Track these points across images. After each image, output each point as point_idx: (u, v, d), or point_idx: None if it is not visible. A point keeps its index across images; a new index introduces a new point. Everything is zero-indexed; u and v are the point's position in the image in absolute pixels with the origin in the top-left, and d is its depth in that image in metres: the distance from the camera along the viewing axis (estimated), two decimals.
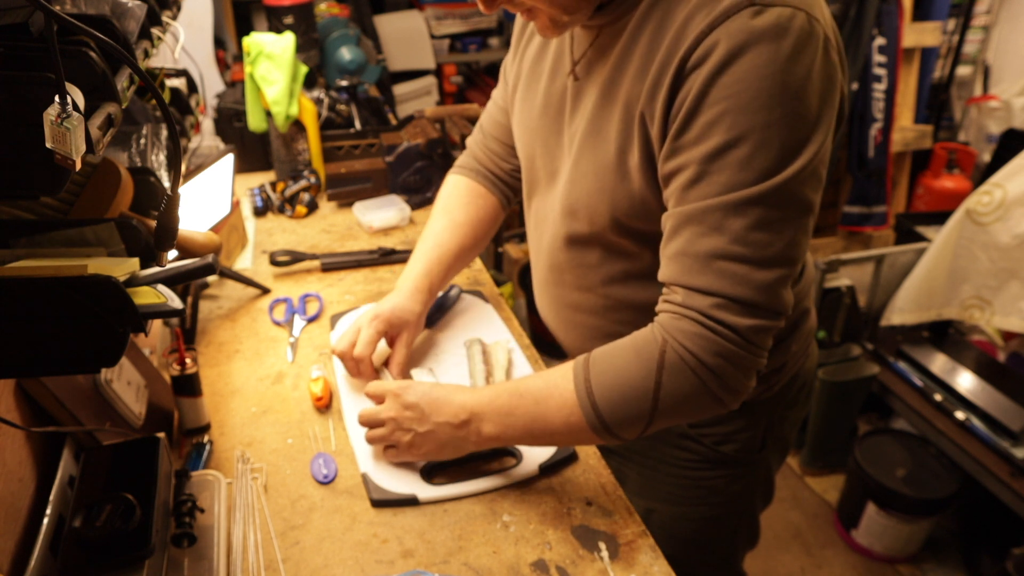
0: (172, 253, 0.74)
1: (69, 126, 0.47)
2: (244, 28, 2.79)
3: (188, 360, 1.05)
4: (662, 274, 0.80)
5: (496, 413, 0.89)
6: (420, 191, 1.79)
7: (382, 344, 1.13)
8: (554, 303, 1.06)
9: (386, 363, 1.15)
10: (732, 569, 1.27)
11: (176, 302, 0.68)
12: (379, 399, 0.98)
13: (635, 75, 0.79)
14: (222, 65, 2.56)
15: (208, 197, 1.37)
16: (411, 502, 0.95)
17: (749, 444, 1.05)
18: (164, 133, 1.13)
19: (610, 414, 0.80)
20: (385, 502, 0.95)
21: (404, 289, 1.15)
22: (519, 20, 1.04)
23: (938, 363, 2.19)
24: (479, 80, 3.68)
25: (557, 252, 0.99)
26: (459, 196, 1.22)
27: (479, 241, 1.22)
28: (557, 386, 0.84)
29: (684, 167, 0.75)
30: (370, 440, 0.98)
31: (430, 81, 3.16)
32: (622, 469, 1.13)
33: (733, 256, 0.73)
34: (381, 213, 1.67)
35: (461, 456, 0.96)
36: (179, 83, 1.38)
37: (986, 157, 2.96)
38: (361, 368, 1.10)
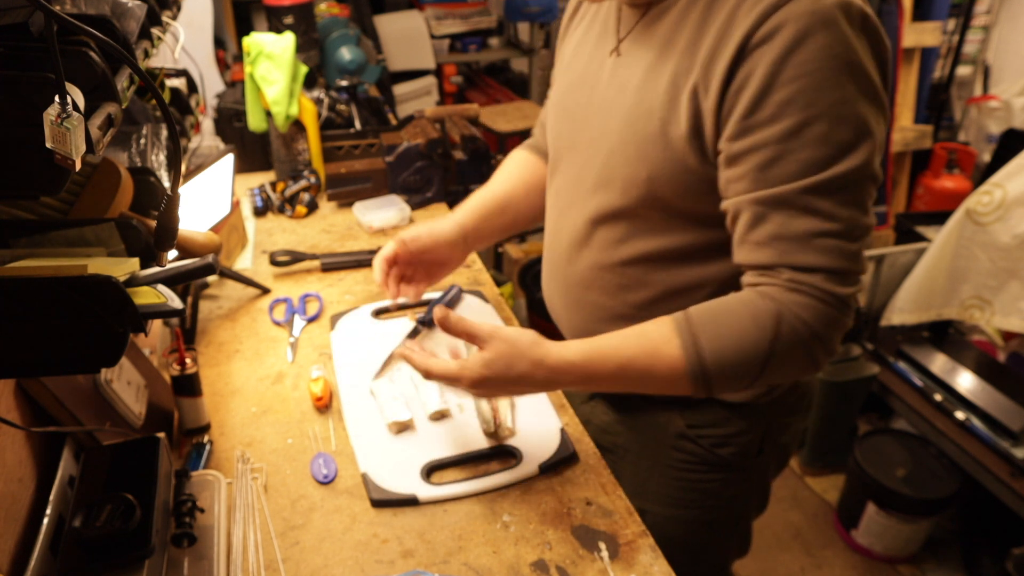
0: (172, 253, 0.74)
1: (69, 126, 0.47)
2: (244, 28, 2.79)
3: (188, 360, 1.05)
4: (752, 258, 0.81)
5: (591, 384, 0.88)
6: (420, 191, 1.79)
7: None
8: (565, 282, 1.05)
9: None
10: (720, 574, 1.27)
11: (176, 302, 0.68)
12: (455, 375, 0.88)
13: (685, 49, 0.82)
14: (222, 65, 2.56)
15: (208, 197, 1.37)
16: (411, 502, 0.95)
17: (747, 448, 1.05)
18: (164, 133, 1.13)
19: (719, 377, 0.81)
20: (385, 502, 0.95)
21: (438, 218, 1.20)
22: (570, 7, 1.09)
23: (938, 363, 2.19)
24: (479, 80, 3.68)
25: (581, 227, 0.99)
26: (517, 162, 1.26)
27: (528, 196, 1.21)
28: (662, 358, 0.82)
29: (760, 146, 0.77)
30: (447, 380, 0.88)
31: (430, 81, 3.17)
32: (617, 469, 1.13)
33: (829, 233, 0.77)
34: (381, 213, 1.67)
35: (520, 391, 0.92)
36: (179, 83, 1.38)
37: (986, 157, 2.96)
38: (382, 268, 1.14)
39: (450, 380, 0.87)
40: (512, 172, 1.25)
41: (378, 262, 1.16)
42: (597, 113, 0.94)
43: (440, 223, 1.19)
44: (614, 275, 0.97)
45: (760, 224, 0.79)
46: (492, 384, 0.86)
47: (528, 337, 0.86)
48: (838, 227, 0.76)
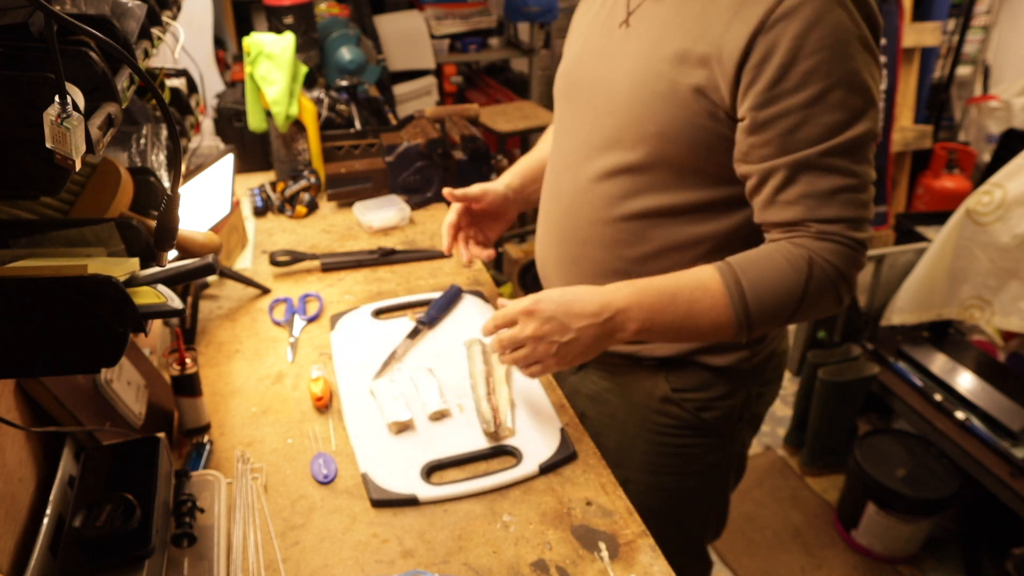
0: (172, 253, 0.74)
1: (69, 126, 0.47)
2: (244, 28, 2.79)
3: (188, 360, 1.05)
4: (778, 216, 0.89)
5: (645, 310, 0.92)
6: (420, 191, 1.79)
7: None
8: (561, 239, 1.09)
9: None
10: (697, 550, 1.29)
11: (176, 302, 0.68)
12: (511, 322, 0.95)
13: (695, 19, 0.88)
14: (222, 65, 2.56)
15: (208, 197, 1.37)
16: (411, 502, 0.95)
17: (729, 413, 1.09)
18: (164, 133, 1.13)
19: (759, 315, 0.89)
20: (385, 502, 0.95)
21: None
22: None
23: (938, 363, 2.19)
24: (479, 80, 3.68)
25: (583, 184, 1.03)
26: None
27: None
28: (707, 289, 0.90)
29: (786, 113, 0.84)
30: (513, 362, 0.96)
31: (430, 81, 3.16)
32: (600, 439, 1.15)
33: (848, 188, 0.86)
34: (381, 213, 1.67)
35: (599, 354, 0.96)
36: (179, 83, 1.38)
37: (986, 157, 2.96)
38: (450, 234, 1.24)
39: (519, 315, 0.94)
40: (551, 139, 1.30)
41: (445, 229, 1.25)
42: (606, 80, 0.98)
43: (489, 183, 1.28)
44: (612, 230, 1.01)
45: (790, 185, 0.87)
46: (551, 316, 0.92)
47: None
48: (855, 182, 0.86)
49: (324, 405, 1.12)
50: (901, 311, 2.22)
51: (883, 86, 3.03)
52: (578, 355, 0.94)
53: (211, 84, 2.33)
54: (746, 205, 0.95)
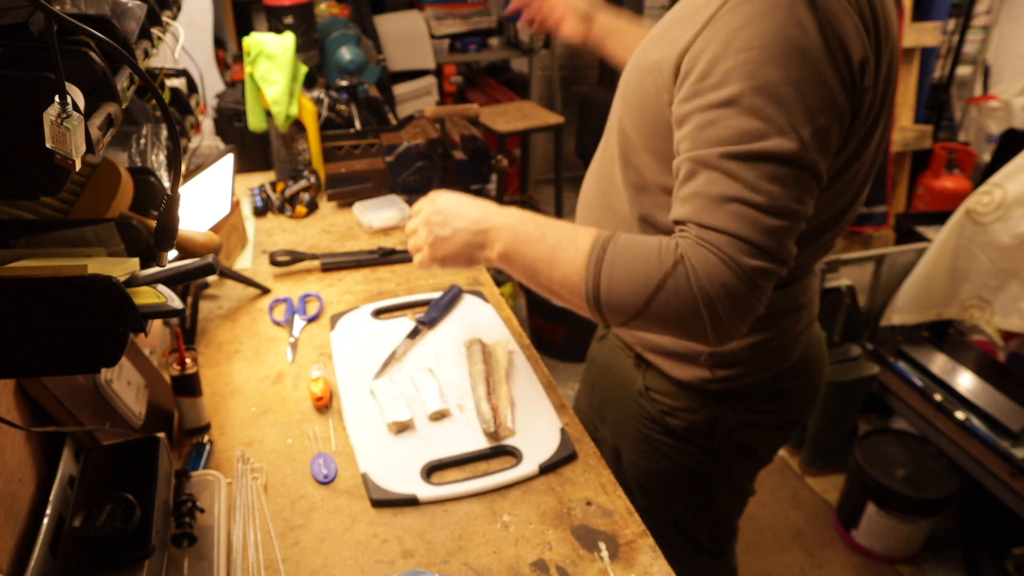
0: (172, 253, 0.74)
1: (69, 126, 0.47)
2: (244, 28, 2.79)
3: (188, 360, 1.05)
4: (675, 213, 0.83)
5: (515, 236, 0.92)
6: (420, 191, 1.79)
7: None
8: (585, 185, 1.16)
9: None
10: (680, 530, 1.25)
11: (176, 302, 0.68)
12: (419, 209, 1.04)
13: (685, 3, 0.89)
14: (222, 65, 2.56)
15: (208, 197, 1.37)
16: (411, 502, 0.95)
17: (694, 426, 1.08)
18: (164, 133, 1.13)
19: (606, 292, 0.83)
20: (385, 502, 0.95)
21: None
22: None
23: (938, 363, 2.19)
24: (479, 80, 3.68)
25: (604, 140, 1.11)
26: None
27: None
28: (576, 245, 0.87)
29: (701, 109, 0.79)
30: (410, 239, 1.04)
31: (430, 81, 3.17)
32: (603, 410, 1.19)
33: (745, 201, 0.76)
34: (381, 213, 1.67)
35: (471, 267, 1.01)
36: (179, 83, 1.38)
37: (986, 157, 2.96)
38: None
39: (424, 200, 1.02)
40: None
41: None
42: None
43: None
44: (599, 185, 1.07)
45: (688, 182, 0.81)
46: (441, 208, 0.99)
47: None
48: (757, 199, 0.76)
49: (324, 405, 1.12)
50: (901, 311, 2.22)
51: None
52: (448, 256, 0.98)
53: (211, 84, 2.33)
54: None
